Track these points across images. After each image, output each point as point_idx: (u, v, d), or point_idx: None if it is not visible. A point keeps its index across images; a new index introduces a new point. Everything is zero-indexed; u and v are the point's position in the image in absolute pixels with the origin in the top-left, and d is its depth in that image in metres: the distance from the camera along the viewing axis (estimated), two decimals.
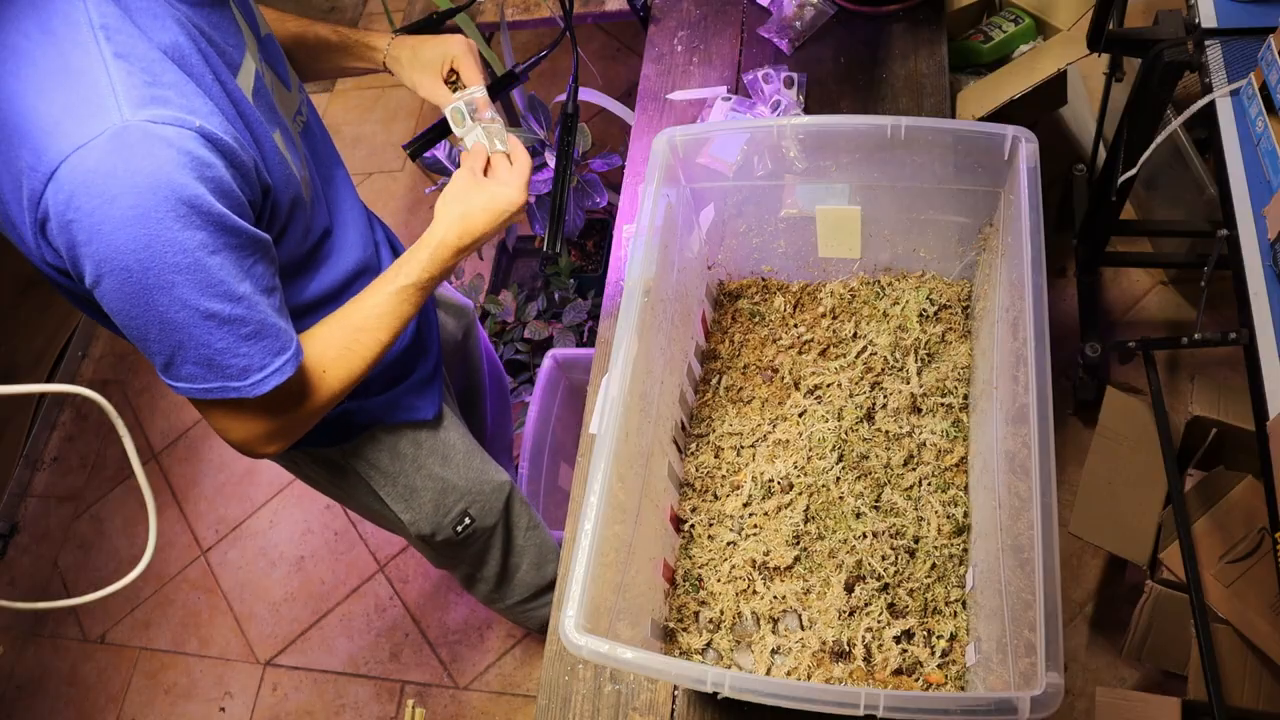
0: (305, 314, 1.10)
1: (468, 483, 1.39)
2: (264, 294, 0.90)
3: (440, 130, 1.24)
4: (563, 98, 1.25)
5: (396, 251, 1.33)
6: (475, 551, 1.49)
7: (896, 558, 1.09)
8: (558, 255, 2.23)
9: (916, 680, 1.02)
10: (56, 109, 0.78)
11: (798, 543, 1.12)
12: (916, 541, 1.10)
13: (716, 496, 1.19)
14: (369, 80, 3.11)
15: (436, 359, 1.38)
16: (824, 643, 1.05)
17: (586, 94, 1.97)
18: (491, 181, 1.09)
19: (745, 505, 1.16)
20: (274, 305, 0.91)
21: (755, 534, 1.14)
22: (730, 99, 1.56)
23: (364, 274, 1.18)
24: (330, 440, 1.26)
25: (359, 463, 1.30)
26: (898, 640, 1.04)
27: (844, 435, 1.19)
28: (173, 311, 0.83)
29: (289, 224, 1.01)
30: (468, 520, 1.41)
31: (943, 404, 1.19)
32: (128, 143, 0.77)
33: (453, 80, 1.18)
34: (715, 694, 0.82)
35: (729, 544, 1.14)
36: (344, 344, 1.03)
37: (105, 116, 0.77)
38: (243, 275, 0.86)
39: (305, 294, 1.10)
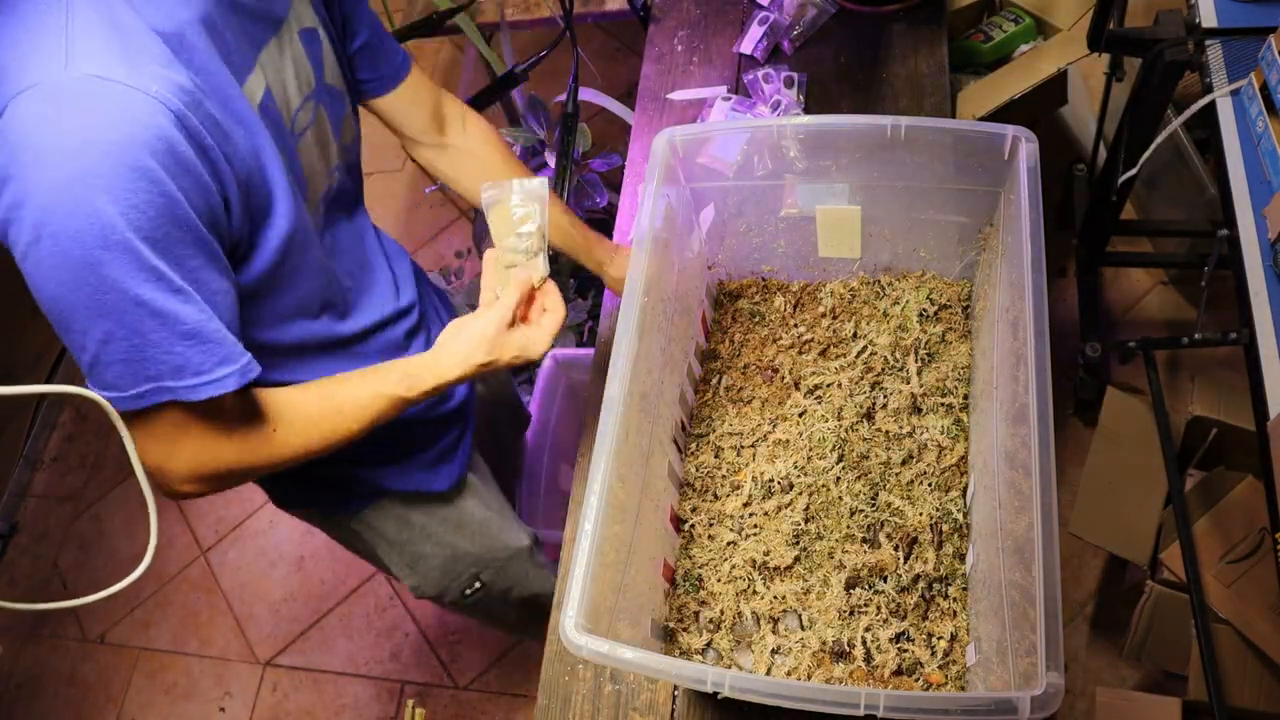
0: (292, 358, 1.02)
1: (481, 550, 1.31)
2: (207, 301, 0.80)
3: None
4: (563, 97, 1.25)
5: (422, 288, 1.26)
6: (485, 611, 1.42)
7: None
8: (558, 256, 2.23)
9: (917, 680, 1.02)
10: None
11: (798, 542, 1.12)
12: (917, 541, 1.10)
13: (716, 496, 1.19)
14: None
15: (464, 430, 1.29)
16: (824, 643, 1.05)
17: (586, 94, 1.97)
18: (528, 329, 0.99)
19: (745, 505, 1.16)
20: (220, 317, 0.81)
21: (755, 534, 1.14)
22: (730, 99, 1.56)
23: (382, 329, 1.12)
24: (332, 507, 1.20)
25: (363, 528, 1.23)
26: (896, 640, 1.04)
27: (844, 435, 1.19)
28: (100, 294, 0.74)
29: (275, 257, 0.91)
30: (478, 585, 1.33)
31: (943, 404, 1.19)
32: (66, 97, 0.70)
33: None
34: (715, 694, 0.82)
35: (729, 544, 1.14)
36: (314, 414, 0.94)
37: (48, 67, 0.71)
38: (182, 272, 0.77)
39: (295, 334, 1.01)
